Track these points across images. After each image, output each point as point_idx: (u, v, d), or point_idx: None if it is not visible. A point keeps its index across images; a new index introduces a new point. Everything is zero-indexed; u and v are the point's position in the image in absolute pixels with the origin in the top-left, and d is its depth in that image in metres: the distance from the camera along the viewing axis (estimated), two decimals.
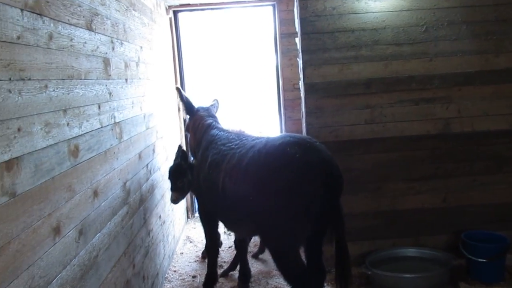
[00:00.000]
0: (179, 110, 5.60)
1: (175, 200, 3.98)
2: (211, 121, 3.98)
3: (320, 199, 2.72)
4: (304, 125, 4.15)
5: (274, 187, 2.74)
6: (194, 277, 4.17)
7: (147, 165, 3.69)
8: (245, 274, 3.89)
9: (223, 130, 3.72)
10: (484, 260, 3.60)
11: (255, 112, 6.95)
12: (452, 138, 4.05)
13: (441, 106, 4.03)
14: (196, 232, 5.25)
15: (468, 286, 3.61)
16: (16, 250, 1.58)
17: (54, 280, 1.86)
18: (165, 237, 4.23)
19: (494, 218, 4.09)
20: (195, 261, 4.53)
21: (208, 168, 3.33)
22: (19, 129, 1.66)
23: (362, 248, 4.08)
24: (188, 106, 4.25)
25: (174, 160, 4.04)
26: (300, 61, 4.15)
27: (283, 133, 3.18)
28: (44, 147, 1.85)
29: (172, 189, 3.97)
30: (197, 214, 5.64)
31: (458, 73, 4.00)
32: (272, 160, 2.81)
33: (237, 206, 3.03)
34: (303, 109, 4.12)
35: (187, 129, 4.34)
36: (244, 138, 3.28)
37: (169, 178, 3.98)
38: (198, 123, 4.04)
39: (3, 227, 1.51)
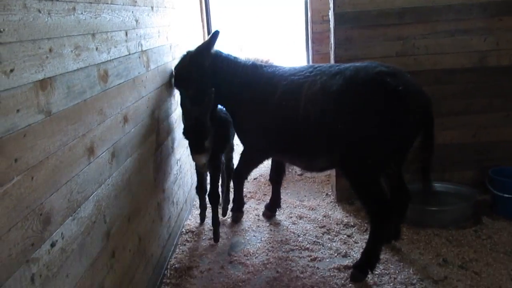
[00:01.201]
0: None
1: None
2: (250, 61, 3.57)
3: (417, 130, 2.89)
4: (332, 57, 4.04)
5: (377, 118, 2.77)
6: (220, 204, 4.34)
7: (174, 95, 3.72)
8: (275, 203, 4.04)
9: (275, 66, 3.50)
10: (511, 196, 3.58)
11: (281, 46, 6.77)
12: (488, 72, 3.89)
13: (478, 38, 3.84)
14: None
15: (491, 221, 3.63)
16: (55, 165, 1.67)
17: (91, 197, 1.98)
18: (192, 167, 4.37)
19: None
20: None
21: (280, 100, 3.18)
22: (50, 50, 1.68)
23: None
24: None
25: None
26: None
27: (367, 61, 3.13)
28: (75, 70, 1.88)
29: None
30: None
31: (499, 1, 3.75)
32: (372, 89, 2.80)
33: (320, 134, 3.00)
34: (332, 41, 3.99)
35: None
36: (317, 67, 3.20)
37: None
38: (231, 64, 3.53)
39: (41, 143, 1.59)
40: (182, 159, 3.95)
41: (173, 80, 3.60)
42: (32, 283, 1.49)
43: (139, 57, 2.79)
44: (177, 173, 3.70)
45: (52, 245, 1.63)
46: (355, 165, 2.96)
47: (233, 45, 6.24)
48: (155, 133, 3.10)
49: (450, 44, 3.85)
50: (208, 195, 3.70)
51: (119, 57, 2.42)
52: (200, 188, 3.89)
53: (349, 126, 2.83)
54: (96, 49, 2.11)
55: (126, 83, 2.52)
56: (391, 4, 3.82)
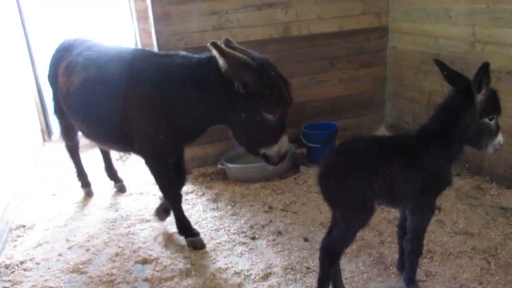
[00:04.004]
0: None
1: None
2: None
3: None
4: (153, 33, 4.13)
5: None
6: None
7: None
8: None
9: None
10: (318, 145, 4.24)
11: (106, 25, 6.53)
12: (292, 41, 4.44)
13: (281, 11, 4.34)
14: None
15: (306, 168, 4.27)
16: None
17: None
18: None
19: (329, 111, 4.76)
20: None
21: None
22: None
23: (219, 149, 4.45)
24: None
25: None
26: None
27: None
28: None
29: None
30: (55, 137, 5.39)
31: None
32: None
33: None
34: (150, 17, 4.07)
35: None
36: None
37: None
38: None
39: None
40: None
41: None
42: None
43: None
44: None
45: None
46: None
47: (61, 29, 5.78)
48: None
49: (258, 18, 4.28)
50: None
51: None
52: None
53: None
54: None
55: None
56: None
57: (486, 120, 2.23)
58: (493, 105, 2.23)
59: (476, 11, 3.63)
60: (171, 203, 3.18)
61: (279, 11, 4.32)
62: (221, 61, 2.55)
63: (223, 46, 2.59)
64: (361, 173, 2.17)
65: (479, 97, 2.18)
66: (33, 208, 3.87)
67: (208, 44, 2.54)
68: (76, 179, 4.05)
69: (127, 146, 3.10)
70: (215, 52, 2.54)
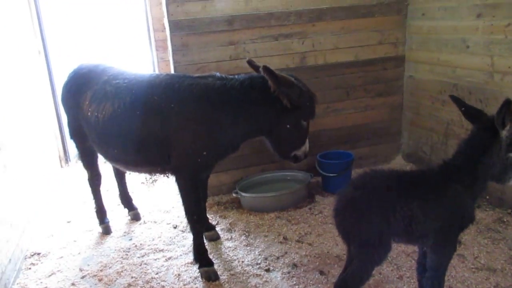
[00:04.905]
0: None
1: None
2: None
3: None
4: (171, 63, 4.20)
5: None
6: None
7: None
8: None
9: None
10: (334, 175, 4.19)
11: (127, 55, 6.68)
12: (308, 70, 4.47)
13: (298, 41, 4.39)
14: None
15: (322, 198, 4.21)
16: None
17: None
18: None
19: (344, 139, 4.73)
20: None
21: None
22: None
23: (234, 177, 4.43)
24: None
25: None
26: None
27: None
28: None
29: None
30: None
31: (311, 9, 4.35)
32: None
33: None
34: (169, 47, 4.15)
35: None
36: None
37: None
38: None
39: None
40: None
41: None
42: None
43: None
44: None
45: None
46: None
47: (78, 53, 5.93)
48: None
49: (275, 48, 4.33)
50: None
51: None
52: None
53: None
54: None
55: None
56: (221, 12, 4.14)
57: (511, 155, 2.20)
58: None
59: (494, 41, 3.61)
60: (193, 227, 3.19)
61: (295, 41, 4.37)
62: (271, 82, 2.87)
63: (271, 68, 2.86)
64: (378, 210, 2.12)
65: (504, 133, 2.15)
66: (48, 235, 3.88)
67: (260, 68, 2.87)
68: (95, 214, 3.92)
69: (161, 166, 3.19)
70: (266, 75, 2.86)
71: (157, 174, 3.45)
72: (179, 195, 3.16)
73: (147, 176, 4.89)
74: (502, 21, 3.51)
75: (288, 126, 3.07)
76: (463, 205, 2.24)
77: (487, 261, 3.04)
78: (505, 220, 3.56)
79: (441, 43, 4.19)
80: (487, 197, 3.85)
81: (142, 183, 4.94)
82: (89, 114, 3.26)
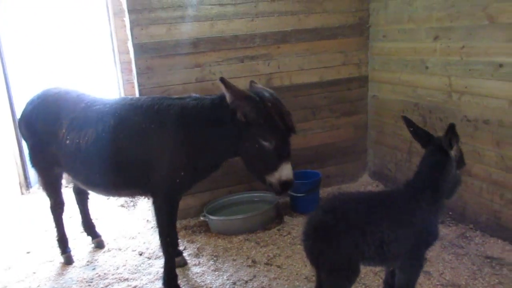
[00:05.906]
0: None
1: None
2: None
3: None
4: (136, 85, 4.15)
5: None
6: None
7: None
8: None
9: None
10: (302, 195, 4.20)
11: (89, 77, 6.54)
12: (275, 91, 4.46)
13: (263, 62, 4.43)
14: None
15: (290, 218, 4.19)
16: None
17: None
18: None
19: (312, 159, 4.76)
20: None
21: None
22: None
23: (201, 200, 4.37)
24: None
25: None
26: (127, 21, 4.08)
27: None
28: None
29: None
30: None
31: (276, 32, 4.41)
32: None
33: None
34: (134, 70, 4.11)
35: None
36: None
37: None
38: None
39: None
40: None
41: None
42: None
43: None
44: None
45: None
46: None
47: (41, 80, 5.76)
48: None
49: (241, 69, 4.35)
50: None
51: None
52: None
53: None
54: None
55: None
56: (187, 35, 4.13)
57: (458, 172, 2.41)
58: (461, 158, 2.41)
59: (451, 62, 3.75)
60: (166, 250, 3.16)
61: (261, 63, 4.41)
62: (227, 95, 2.81)
63: (227, 80, 2.83)
64: (348, 234, 2.13)
65: (453, 153, 2.33)
66: (6, 268, 3.69)
67: (217, 80, 2.84)
68: (56, 244, 3.74)
69: (140, 189, 3.17)
70: (222, 87, 2.81)
71: (137, 197, 3.43)
72: (154, 217, 3.13)
73: (127, 199, 4.77)
74: (458, 43, 3.66)
75: (246, 144, 2.91)
76: (429, 224, 2.30)
77: (452, 277, 3.09)
78: (467, 235, 3.64)
79: (402, 64, 4.32)
80: (450, 212, 3.94)
81: (122, 205, 4.83)
82: (67, 142, 3.17)
